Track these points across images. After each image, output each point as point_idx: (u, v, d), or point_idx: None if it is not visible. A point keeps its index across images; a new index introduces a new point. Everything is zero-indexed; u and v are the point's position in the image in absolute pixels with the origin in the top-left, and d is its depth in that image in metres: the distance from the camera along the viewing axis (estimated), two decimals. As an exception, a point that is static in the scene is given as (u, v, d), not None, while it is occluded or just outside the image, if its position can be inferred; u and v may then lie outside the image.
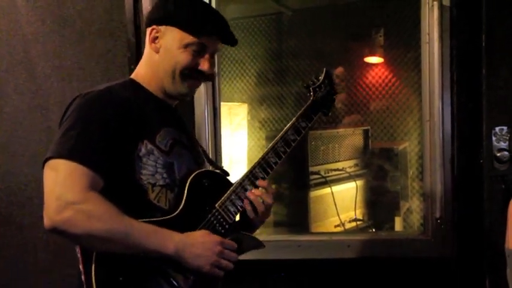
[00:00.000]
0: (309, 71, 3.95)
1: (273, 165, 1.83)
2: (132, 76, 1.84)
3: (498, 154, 2.43)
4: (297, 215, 3.21)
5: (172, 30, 1.74)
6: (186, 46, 1.73)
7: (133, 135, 1.64)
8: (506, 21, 2.43)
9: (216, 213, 1.75)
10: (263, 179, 1.81)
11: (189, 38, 1.72)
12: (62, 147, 1.56)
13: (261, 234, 3.00)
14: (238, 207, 1.78)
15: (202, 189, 1.75)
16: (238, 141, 3.65)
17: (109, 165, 1.58)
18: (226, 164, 3.21)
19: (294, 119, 1.89)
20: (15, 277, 2.89)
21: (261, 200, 1.80)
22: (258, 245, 1.84)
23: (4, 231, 2.90)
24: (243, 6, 3.97)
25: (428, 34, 2.62)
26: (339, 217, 3.23)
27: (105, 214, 1.53)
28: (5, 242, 2.90)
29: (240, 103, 3.85)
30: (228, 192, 1.78)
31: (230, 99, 3.86)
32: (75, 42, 2.80)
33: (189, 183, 1.72)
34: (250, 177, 1.80)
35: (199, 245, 1.63)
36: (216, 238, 1.67)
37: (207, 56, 1.76)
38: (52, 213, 1.49)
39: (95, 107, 1.64)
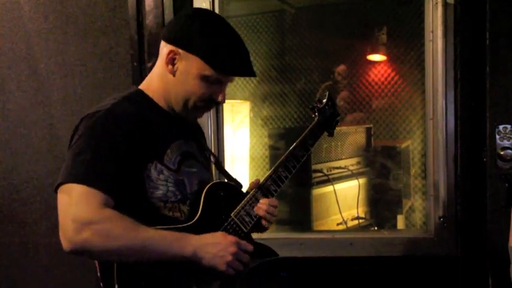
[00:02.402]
0: (311, 69, 3.95)
1: (284, 179, 1.91)
2: (142, 87, 1.82)
3: (501, 152, 2.43)
4: (300, 213, 3.21)
5: (193, 58, 1.69)
6: (205, 78, 1.70)
7: (142, 156, 1.66)
8: (510, 18, 2.42)
9: (232, 222, 1.79)
10: (275, 191, 1.89)
11: (209, 71, 1.69)
12: (73, 172, 1.58)
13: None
14: (254, 217, 1.83)
15: (218, 199, 1.80)
16: (240, 139, 3.65)
17: (120, 187, 1.60)
18: (228, 162, 3.21)
19: (301, 136, 1.99)
20: (17, 274, 2.89)
21: (271, 211, 1.86)
22: (272, 254, 1.89)
23: (6, 228, 2.91)
24: (245, 4, 3.96)
25: (432, 32, 2.61)
26: (341, 215, 3.23)
27: (122, 230, 1.55)
28: (7, 239, 2.90)
29: (242, 100, 3.84)
30: (243, 202, 1.83)
31: (232, 97, 3.86)
32: (78, 39, 2.79)
33: (205, 193, 1.77)
34: (263, 189, 1.87)
35: (215, 245, 1.65)
36: (232, 238, 1.69)
37: (223, 87, 1.76)
38: (70, 235, 1.53)
39: (103, 129, 1.64)
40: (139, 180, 1.66)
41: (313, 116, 2.06)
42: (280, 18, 4.18)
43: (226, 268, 1.65)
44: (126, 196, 1.62)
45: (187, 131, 1.87)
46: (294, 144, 1.96)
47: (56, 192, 1.60)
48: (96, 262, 1.64)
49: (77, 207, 1.54)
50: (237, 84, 3.98)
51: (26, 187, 2.87)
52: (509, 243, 1.85)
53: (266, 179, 1.88)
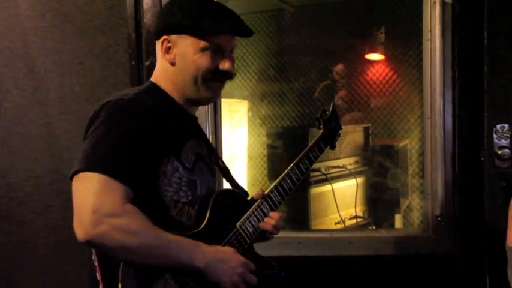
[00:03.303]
0: (310, 68, 3.95)
1: (288, 191, 1.90)
2: (155, 81, 1.79)
3: (499, 152, 2.43)
4: (298, 212, 3.21)
5: (185, 37, 1.70)
6: (202, 50, 1.69)
7: (160, 150, 1.63)
8: (508, 18, 2.43)
9: (237, 233, 1.78)
10: (279, 203, 1.88)
11: (203, 43, 1.68)
12: (93, 160, 1.53)
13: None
14: (257, 228, 1.82)
15: (224, 208, 1.78)
16: (238, 138, 3.65)
17: (136, 179, 1.56)
18: (226, 161, 3.20)
19: (307, 148, 1.97)
20: (14, 273, 2.89)
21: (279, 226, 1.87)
22: (272, 268, 1.87)
23: (3, 227, 2.89)
24: (244, 3, 3.96)
25: (430, 31, 2.61)
26: (339, 214, 3.23)
27: (140, 228, 1.52)
28: (5, 238, 2.89)
29: (240, 100, 3.84)
30: (248, 213, 1.82)
31: (231, 96, 3.86)
32: (76, 37, 2.78)
33: (213, 201, 1.75)
34: (268, 200, 1.86)
35: (226, 262, 1.63)
36: (241, 259, 1.68)
37: (226, 55, 1.74)
38: (88, 226, 1.47)
39: (125, 118, 1.60)
40: (154, 175, 1.62)
41: (319, 128, 2.03)
42: (279, 17, 4.18)
43: (231, 287, 1.64)
44: (139, 191, 1.57)
45: (199, 132, 1.87)
46: (299, 156, 1.94)
47: (71, 180, 1.54)
48: (97, 263, 1.62)
49: (98, 198, 1.48)
50: (235, 83, 3.98)
51: (23, 186, 2.86)
52: (507, 242, 1.85)
53: (271, 190, 1.87)
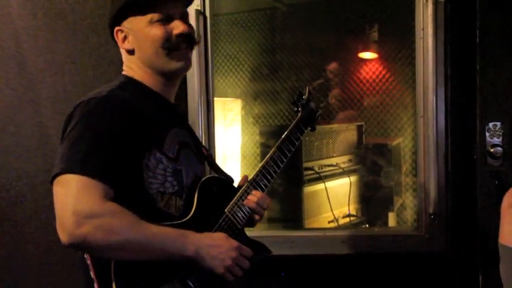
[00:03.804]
0: (303, 66, 3.94)
1: (273, 174, 1.92)
2: (128, 73, 1.79)
3: (491, 150, 2.43)
4: (291, 210, 3.20)
5: (131, 20, 1.71)
6: (151, 23, 1.69)
7: (141, 144, 1.62)
8: (500, 16, 2.43)
9: (226, 219, 1.78)
10: (265, 186, 1.89)
11: (148, 16, 1.69)
12: (70, 161, 1.52)
13: (255, 230, 3.00)
14: (246, 213, 1.83)
15: (211, 195, 1.78)
16: (232, 137, 3.64)
17: (119, 176, 1.55)
18: (220, 160, 3.20)
19: (287, 130, 2.01)
20: (7, 273, 2.87)
21: (261, 203, 1.87)
22: (267, 251, 1.89)
23: (-4, 227, 2.89)
24: (237, 1, 3.95)
25: (423, 29, 2.62)
26: (333, 213, 3.23)
27: (123, 225, 1.51)
28: (-3, 238, 2.88)
29: (233, 98, 3.84)
30: (235, 198, 1.82)
31: (224, 95, 3.85)
32: (68, 36, 2.77)
33: (199, 189, 1.74)
34: (254, 184, 1.87)
35: (217, 247, 1.63)
36: (234, 243, 1.68)
37: (176, 20, 1.72)
38: (70, 228, 1.46)
39: (100, 116, 1.59)
40: (137, 170, 1.61)
41: (297, 110, 2.08)
42: (271, 15, 4.17)
43: (225, 272, 1.64)
44: (123, 187, 1.56)
45: (182, 119, 1.86)
46: (281, 138, 1.98)
47: (52, 184, 1.54)
48: (90, 262, 1.61)
49: (77, 200, 1.47)
50: (228, 82, 3.97)
51: (15, 186, 2.85)
52: (500, 240, 1.85)
53: (257, 174, 1.89)
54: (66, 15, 2.76)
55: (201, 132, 2.76)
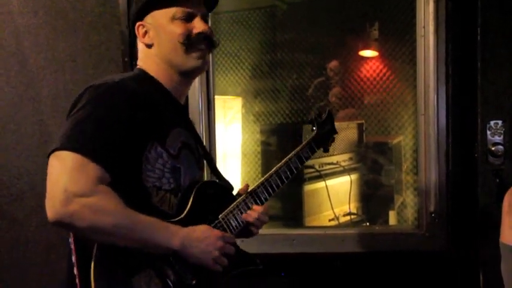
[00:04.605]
0: (303, 65, 3.95)
1: (276, 188, 1.88)
2: (143, 67, 1.79)
3: (493, 148, 2.43)
4: (291, 209, 3.21)
5: (154, 15, 1.73)
6: (172, 20, 1.71)
7: (144, 135, 1.61)
8: (501, 15, 2.43)
9: (219, 225, 1.75)
10: (265, 199, 1.85)
11: (171, 12, 1.70)
12: (72, 139, 1.50)
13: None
14: (240, 223, 1.80)
15: (207, 199, 1.76)
16: (232, 135, 3.65)
17: (118, 163, 1.55)
18: (220, 158, 3.20)
19: (298, 147, 1.95)
20: (7, 271, 2.87)
21: (262, 219, 1.84)
22: (256, 264, 1.85)
23: (-4, 225, 2.89)
24: (237, -1, 3.96)
25: (424, 27, 2.62)
26: (333, 211, 3.23)
27: (111, 208, 1.50)
28: (-3, 235, 2.89)
29: (234, 96, 3.84)
30: (232, 206, 1.80)
31: (224, 93, 3.85)
32: (68, 34, 2.77)
33: (196, 191, 1.73)
34: (254, 196, 1.84)
35: (203, 240, 1.62)
36: (218, 233, 1.67)
37: (197, 18, 1.73)
38: (58, 205, 1.45)
39: (109, 101, 1.59)
40: (137, 161, 1.60)
41: (312, 129, 2.04)
42: (272, 13, 4.17)
43: (213, 264, 1.63)
44: (120, 176, 1.56)
45: (187, 122, 1.85)
46: (290, 154, 1.93)
47: (48, 158, 1.52)
48: (73, 246, 1.59)
49: (70, 177, 1.45)
50: (229, 80, 3.97)
51: (16, 183, 2.85)
52: (501, 238, 1.85)
53: (258, 186, 1.86)
54: (67, 13, 2.76)
55: (201, 131, 2.76)
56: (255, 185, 1.86)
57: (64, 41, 2.77)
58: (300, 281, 2.78)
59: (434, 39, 2.58)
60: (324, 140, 2.07)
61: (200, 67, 1.77)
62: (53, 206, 1.46)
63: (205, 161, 1.95)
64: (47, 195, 1.47)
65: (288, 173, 1.90)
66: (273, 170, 1.90)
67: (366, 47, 3.97)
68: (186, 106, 1.91)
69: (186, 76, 1.79)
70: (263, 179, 1.87)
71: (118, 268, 1.54)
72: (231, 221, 1.78)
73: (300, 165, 1.94)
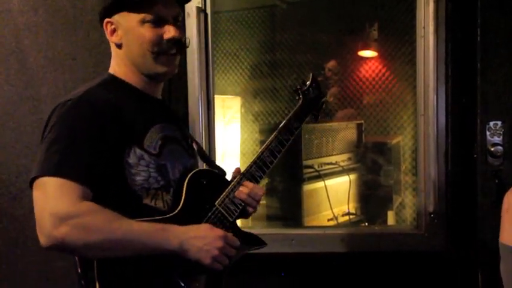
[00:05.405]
0: (302, 64, 3.94)
1: (269, 164, 1.85)
2: (111, 71, 1.79)
3: (492, 149, 2.44)
4: (290, 208, 3.20)
5: (124, 15, 1.68)
6: (142, 23, 1.67)
7: (120, 142, 1.61)
8: (501, 15, 2.43)
9: (216, 212, 1.75)
10: (260, 177, 1.83)
11: (141, 15, 1.66)
12: (46, 164, 1.53)
13: (254, 227, 3.01)
14: (238, 205, 1.78)
15: (201, 188, 1.75)
16: (231, 135, 3.64)
17: (98, 177, 1.55)
18: (219, 157, 3.20)
19: (285, 119, 1.93)
20: (6, 270, 2.87)
21: (253, 195, 1.81)
22: (260, 243, 1.86)
23: (-5, 223, 2.88)
24: (237, -1, 3.96)
25: (424, 28, 2.62)
26: (332, 211, 3.23)
27: (101, 223, 1.51)
28: (-4, 234, 2.88)
29: (233, 96, 3.84)
30: (227, 190, 1.78)
31: (223, 92, 3.84)
32: (68, 33, 2.77)
33: (187, 182, 1.72)
34: (248, 175, 1.82)
35: (202, 238, 1.61)
36: (219, 232, 1.65)
37: (167, 24, 1.70)
38: (48, 231, 1.47)
39: (77, 117, 1.59)
40: (119, 168, 1.60)
41: (297, 98, 2.00)
42: (271, 13, 4.16)
43: (212, 262, 1.62)
44: (106, 186, 1.56)
45: (168, 115, 1.83)
46: (279, 127, 1.90)
47: (31, 188, 1.55)
48: (77, 258, 1.61)
49: (54, 201, 1.48)
50: (228, 79, 3.97)
51: (15, 182, 2.85)
52: (500, 239, 1.85)
53: (251, 165, 1.83)
54: (66, 11, 2.76)
55: (201, 130, 2.76)
56: (248, 165, 1.84)
57: (64, 40, 2.77)
58: (299, 281, 2.78)
59: (434, 39, 2.59)
60: (312, 107, 2.02)
61: (168, 73, 1.76)
62: (44, 232, 1.49)
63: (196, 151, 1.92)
64: (37, 223, 1.51)
65: (280, 146, 1.88)
66: (263, 146, 1.87)
67: (366, 47, 3.97)
68: (164, 100, 1.87)
69: (156, 79, 1.78)
70: (255, 157, 1.85)
71: (123, 279, 1.56)
72: (229, 206, 1.77)
73: (290, 137, 1.90)
